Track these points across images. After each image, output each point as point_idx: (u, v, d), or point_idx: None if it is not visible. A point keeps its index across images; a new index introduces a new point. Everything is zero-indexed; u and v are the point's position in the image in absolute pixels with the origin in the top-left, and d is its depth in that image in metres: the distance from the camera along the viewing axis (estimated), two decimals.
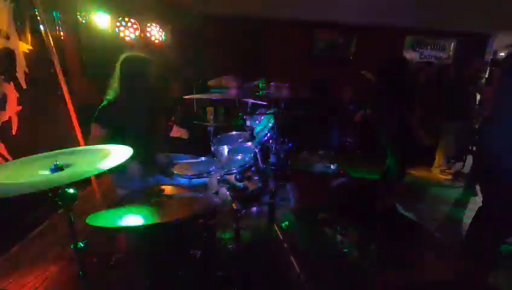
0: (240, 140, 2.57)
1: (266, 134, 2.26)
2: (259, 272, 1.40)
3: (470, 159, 4.33)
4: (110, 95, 1.92)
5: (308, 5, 4.20)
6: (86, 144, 1.71)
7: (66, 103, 2.45)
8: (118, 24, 3.20)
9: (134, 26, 3.37)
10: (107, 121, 1.81)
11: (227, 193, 1.85)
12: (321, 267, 0.99)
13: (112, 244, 1.30)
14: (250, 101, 2.75)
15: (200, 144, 2.59)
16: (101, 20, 2.99)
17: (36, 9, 2.20)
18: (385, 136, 3.10)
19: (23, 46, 2.15)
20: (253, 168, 2.06)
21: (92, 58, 3.12)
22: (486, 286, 0.92)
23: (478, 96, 3.94)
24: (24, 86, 2.13)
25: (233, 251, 1.51)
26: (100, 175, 2.87)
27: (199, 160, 2.18)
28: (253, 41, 5.18)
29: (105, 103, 1.88)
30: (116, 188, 2.06)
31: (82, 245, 1.09)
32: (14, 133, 2.05)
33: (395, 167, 3.07)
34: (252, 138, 2.33)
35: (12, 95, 2.03)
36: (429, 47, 5.75)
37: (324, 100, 4.93)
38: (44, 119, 2.37)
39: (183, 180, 1.91)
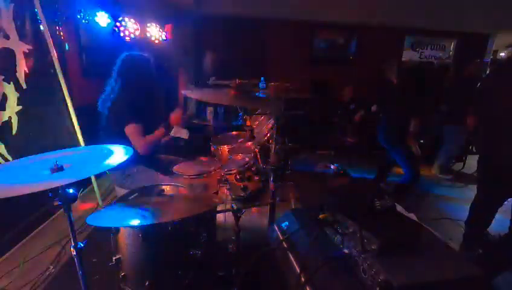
0: (239, 140, 2.57)
1: (266, 134, 2.26)
2: (259, 272, 1.40)
3: (470, 159, 4.33)
4: (111, 93, 1.93)
5: (308, 5, 4.20)
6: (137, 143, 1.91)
7: (66, 102, 2.46)
8: (118, 24, 3.20)
9: (134, 26, 3.37)
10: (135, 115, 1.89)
11: (227, 193, 1.85)
12: (321, 267, 0.99)
13: (112, 244, 1.30)
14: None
15: (200, 144, 2.59)
16: (101, 20, 2.99)
17: (36, 9, 2.20)
18: (391, 137, 3.11)
19: (23, 46, 2.15)
20: (253, 168, 2.06)
21: (92, 58, 3.12)
22: (486, 285, 0.92)
23: None
24: (24, 86, 2.13)
25: (233, 251, 1.50)
26: (101, 175, 2.88)
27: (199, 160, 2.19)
28: (253, 42, 5.17)
29: (114, 101, 1.90)
30: (116, 188, 2.06)
31: (82, 245, 1.10)
32: (14, 133, 2.05)
33: (407, 168, 3.07)
34: (252, 138, 2.33)
35: (12, 95, 2.03)
36: (429, 47, 5.75)
37: (324, 100, 4.94)
38: (44, 119, 2.36)
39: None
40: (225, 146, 2.36)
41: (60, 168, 1.01)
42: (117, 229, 1.28)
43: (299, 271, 1.04)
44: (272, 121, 2.22)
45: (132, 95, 1.91)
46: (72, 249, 1.07)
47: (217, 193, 1.88)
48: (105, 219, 1.21)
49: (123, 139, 1.80)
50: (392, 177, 3.55)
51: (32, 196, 0.84)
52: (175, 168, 1.97)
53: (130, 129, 1.86)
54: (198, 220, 1.37)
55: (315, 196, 2.16)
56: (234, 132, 2.76)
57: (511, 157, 1.94)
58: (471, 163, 4.11)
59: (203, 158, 2.23)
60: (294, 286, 1.04)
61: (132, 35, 3.34)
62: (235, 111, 2.20)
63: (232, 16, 4.84)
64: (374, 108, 4.16)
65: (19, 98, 2.08)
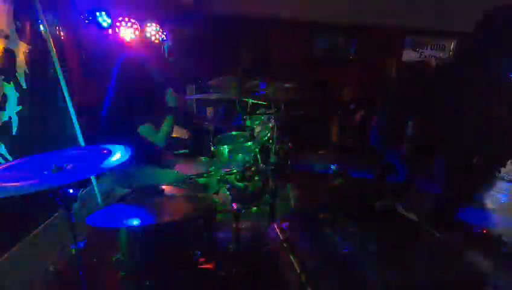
0: (239, 140, 2.57)
1: (266, 134, 2.26)
2: (259, 272, 1.40)
3: None
4: (110, 95, 1.94)
5: (308, 5, 4.21)
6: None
7: (66, 102, 2.45)
8: (118, 24, 3.20)
9: (134, 26, 3.37)
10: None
11: (227, 193, 1.85)
12: (321, 267, 0.99)
13: (112, 244, 1.30)
14: (250, 101, 2.76)
15: (200, 144, 2.59)
16: (101, 20, 2.99)
17: (36, 9, 2.20)
18: (389, 138, 3.11)
19: (23, 46, 2.15)
20: (253, 168, 2.06)
21: (92, 58, 3.12)
22: (486, 285, 0.92)
23: None
24: (24, 86, 2.13)
25: (233, 251, 1.51)
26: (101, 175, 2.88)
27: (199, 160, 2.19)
28: (253, 42, 5.17)
29: (113, 102, 1.91)
30: (116, 188, 2.06)
31: (82, 245, 1.09)
32: (14, 133, 2.05)
33: (403, 168, 3.07)
34: (252, 138, 2.34)
35: (12, 95, 2.03)
36: (429, 47, 5.74)
37: (324, 100, 4.93)
38: (44, 119, 2.36)
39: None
40: (225, 146, 2.36)
41: (60, 168, 1.01)
42: (117, 229, 1.28)
43: (299, 271, 1.04)
44: (272, 121, 2.23)
45: (131, 97, 1.91)
46: (72, 249, 1.07)
47: (217, 193, 1.88)
48: (105, 219, 1.21)
49: (122, 141, 1.80)
50: (391, 177, 3.55)
51: (32, 196, 0.84)
52: (175, 168, 1.97)
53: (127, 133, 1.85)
54: (198, 220, 1.38)
55: (315, 196, 2.16)
56: (234, 132, 2.76)
57: None
58: None
59: (203, 158, 2.23)
60: (294, 286, 1.04)
61: (132, 35, 3.34)
62: (235, 111, 2.21)
63: (232, 16, 4.84)
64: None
65: (18, 98, 2.08)
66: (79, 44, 2.99)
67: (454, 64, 2.22)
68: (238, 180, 1.90)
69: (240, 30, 5.04)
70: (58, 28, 2.61)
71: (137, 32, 3.41)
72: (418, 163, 3.15)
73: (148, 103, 2.02)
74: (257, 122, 2.61)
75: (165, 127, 1.99)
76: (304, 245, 1.14)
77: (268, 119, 2.38)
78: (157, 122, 2.03)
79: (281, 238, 1.29)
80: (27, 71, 2.16)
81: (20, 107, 2.09)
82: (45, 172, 1.00)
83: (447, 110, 2.15)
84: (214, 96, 2.33)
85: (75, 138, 2.53)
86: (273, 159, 1.75)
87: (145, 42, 3.68)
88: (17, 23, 2.09)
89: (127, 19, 3.26)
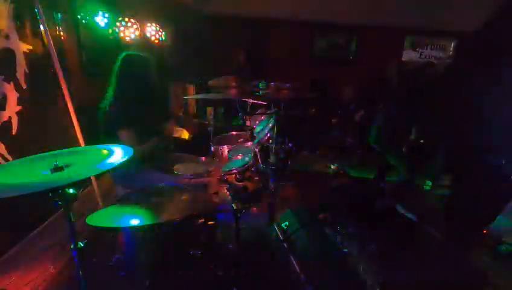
0: (239, 140, 2.57)
1: (266, 134, 2.26)
2: (260, 272, 1.40)
3: None
4: (110, 95, 1.93)
5: (309, 5, 4.21)
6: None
7: (66, 102, 2.45)
8: (118, 24, 3.20)
9: (134, 26, 3.37)
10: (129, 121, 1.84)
11: (227, 193, 1.85)
12: (321, 267, 0.99)
13: (112, 244, 1.30)
14: (250, 101, 2.76)
15: (200, 144, 2.59)
16: (101, 20, 2.99)
17: (36, 9, 2.20)
18: (388, 138, 3.11)
19: (23, 46, 2.15)
20: (253, 168, 2.06)
21: (92, 58, 3.11)
22: (486, 285, 0.92)
23: None
24: (24, 86, 2.13)
25: (233, 251, 1.51)
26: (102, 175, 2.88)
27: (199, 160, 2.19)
28: (253, 42, 5.18)
29: (112, 105, 1.89)
30: (116, 187, 2.06)
31: (82, 245, 1.09)
32: (14, 133, 2.05)
33: (402, 168, 3.08)
34: (252, 138, 2.34)
35: (12, 95, 2.03)
36: (429, 47, 5.74)
37: (324, 100, 4.93)
38: (44, 119, 2.36)
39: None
40: (225, 146, 2.36)
41: (60, 168, 1.01)
42: (117, 229, 1.28)
43: (299, 271, 1.04)
44: (272, 121, 2.23)
45: (130, 96, 1.91)
46: (72, 249, 1.07)
47: (217, 193, 1.88)
48: (105, 219, 1.21)
49: (120, 141, 1.80)
50: (391, 177, 3.55)
51: (32, 196, 0.84)
52: (175, 168, 1.97)
53: (124, 134, 1.84)
54: (198, 220, 1.38)
55: (315, 196, 2.16)
56: (234, 132, 2.76)
57: None
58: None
59: (203, 158, 2.23)
60: (294, 286, 1.04)
61: (132, 35, 3.34)
62: (235, 111, 2.21)
63: (232, 15, 4.85)
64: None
65: (19, 98, 2.08)
66: (79, 44, 2.99)
67: (455, 64, 2.20)
68: (238, 180, 1.90)
69: (240, 30, 5.05)
70: (58, 28, 2.61)
71: (137, 32, 3.42)
72: (418, 163, 3.15)
73: (148, 104, 2.02)
74: (257, 122, 2.62)
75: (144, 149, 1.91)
76: (304, 245, 1.14)
77: (268, 119, 2.38)
78: (148, 132, 1.99)
79: (281, 238, 1.29)
80: (27, 71, 2.16)
81: (20, 107, 2.09)
82: (45, 172, 1.00)
83: (448, 110, 2.13)
84: (214, 96, 2.33)
85: (75, 138, 2.53)
86: (273, 159, 1.74)
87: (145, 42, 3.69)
88: (17, 23, 2.09)
89: (127, 19, 3.26)
